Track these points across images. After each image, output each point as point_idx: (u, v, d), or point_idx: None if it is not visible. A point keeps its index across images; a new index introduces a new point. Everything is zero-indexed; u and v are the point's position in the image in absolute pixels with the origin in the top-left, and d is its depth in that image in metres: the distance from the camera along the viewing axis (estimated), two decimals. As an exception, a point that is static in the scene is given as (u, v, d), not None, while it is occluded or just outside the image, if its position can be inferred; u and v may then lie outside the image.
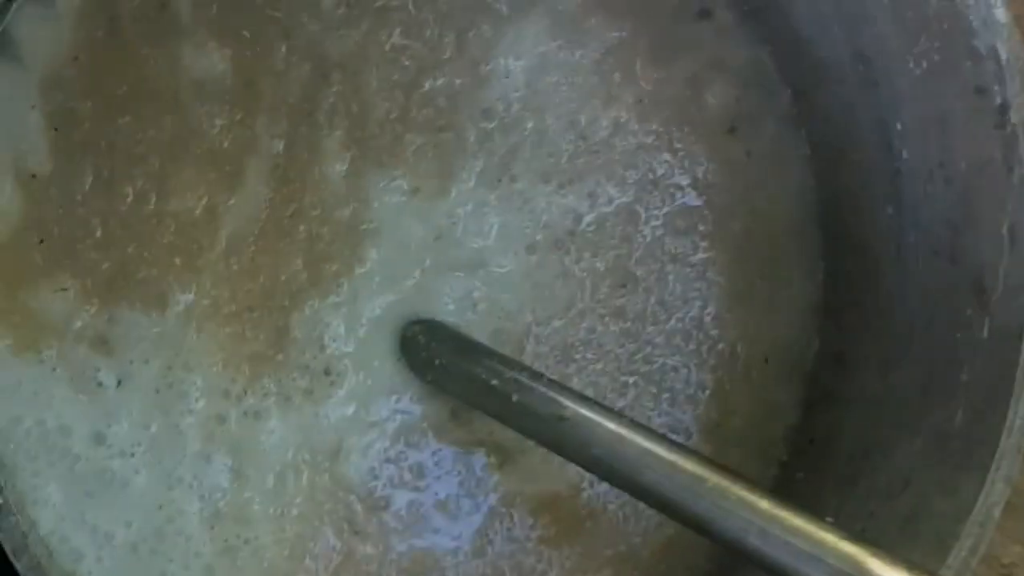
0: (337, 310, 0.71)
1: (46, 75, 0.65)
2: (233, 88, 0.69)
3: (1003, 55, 0.59)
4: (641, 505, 0.74)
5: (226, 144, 0.69)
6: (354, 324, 0.71)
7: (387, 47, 0.72)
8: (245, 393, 0.69)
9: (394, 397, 0.71)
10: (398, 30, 0.72)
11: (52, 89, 0.65)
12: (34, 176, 0.65)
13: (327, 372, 0.70)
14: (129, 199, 0.67)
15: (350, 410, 0.71)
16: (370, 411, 0.71)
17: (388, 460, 0.71)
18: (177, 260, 0.68)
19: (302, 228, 0.70)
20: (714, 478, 0.55)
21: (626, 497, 0.74)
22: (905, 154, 0.68)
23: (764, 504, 0.53)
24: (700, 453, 0.58)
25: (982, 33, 0.59)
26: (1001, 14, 0.58)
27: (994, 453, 0.59)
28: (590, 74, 0.75)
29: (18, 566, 0.49)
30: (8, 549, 0.49)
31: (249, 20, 0.70)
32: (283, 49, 0.70)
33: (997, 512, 0.58)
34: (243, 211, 0.69)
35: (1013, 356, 0.59)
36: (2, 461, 0.52)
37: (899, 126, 0.68)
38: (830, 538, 0.51)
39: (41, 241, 0.65)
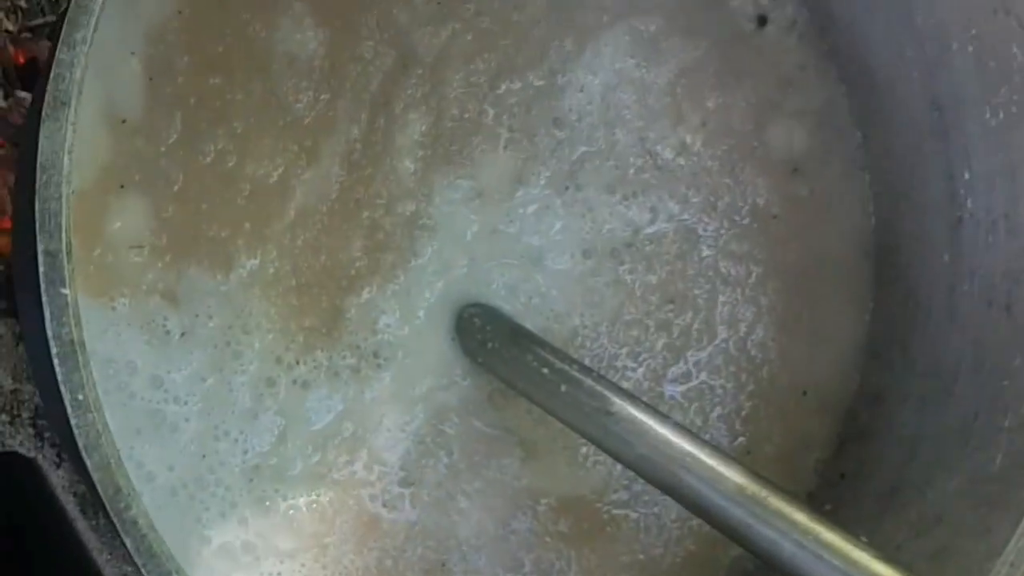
0: (392, 299, 0.72)
1: (151, 24, 0.66)
2: (321, 67, 0.70)
3: (1083, 111, 0.60)
4: (664, 518, 0.75)
5: (307, 120, 0.70)
6: (407, 313, 0.72)
7: (471, 47, 0.74)
8: (297, 363, 0.70)
9: (437, 379, 0.72)
10: (484, 32, 0.74)
11: (154, 39, 0.66)
12: (124, 121, 0.66)
13: (376, 355, 0.71)
14: (210, 157, 0.68)
15: (393, 390, 0.72)
16: (414, 390, 0.72)
17: (422, 439, 0.72)
18: (247, 225, 0.69)
19: (366, 215, 0.71)
20: (753, 487, 0.56)
21: (648, 508, 0.75)
22: (970, 203, 0.69)
23: (801, 516, 0.54)
24: (742, 463, 0.59)
25: (1066, 88, 0.60)
26: (1086, 71, 0.59)
27: (1032, 497, 0.60)
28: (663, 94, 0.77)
29: (88, 464, 0.49)
30: (80, 444, 0.49)
31: (345, 3, 0.71)
32: (373, 37, 0.72)
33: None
34: (315, 188, 0.70)
35: (1060, 407, 0.60)
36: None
37: (967, 175, 0.69)
38: (864, 556, 0.52)
39: (122, 186, 0.66)
